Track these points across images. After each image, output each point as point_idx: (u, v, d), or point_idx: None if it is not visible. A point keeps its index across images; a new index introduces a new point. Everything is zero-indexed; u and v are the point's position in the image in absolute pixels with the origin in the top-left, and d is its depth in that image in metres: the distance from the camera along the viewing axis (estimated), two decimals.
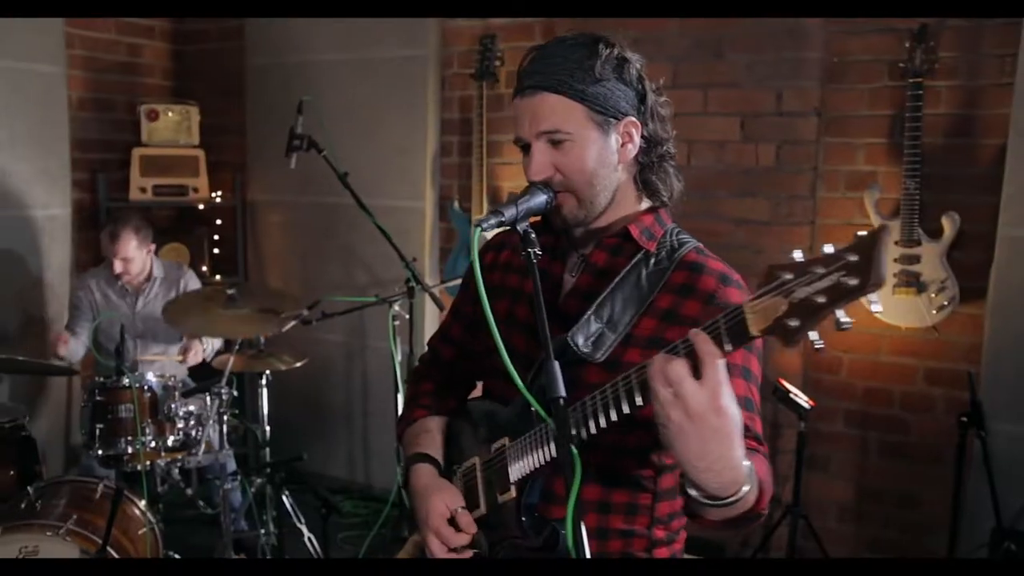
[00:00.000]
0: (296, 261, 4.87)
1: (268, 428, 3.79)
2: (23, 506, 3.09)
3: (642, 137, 1.54)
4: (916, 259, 3.40)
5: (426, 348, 1.93)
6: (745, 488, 1.24)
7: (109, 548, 2.88)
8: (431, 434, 1.74)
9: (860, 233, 1.09)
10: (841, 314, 1.10)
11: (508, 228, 1.57)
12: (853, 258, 1.06)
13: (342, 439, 4.78)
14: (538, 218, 1.61)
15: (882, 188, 3.52)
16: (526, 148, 1.54)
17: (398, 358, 3.85)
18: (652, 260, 1.54)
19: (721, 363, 1.17)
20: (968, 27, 3.36)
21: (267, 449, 3.75)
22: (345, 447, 4.78)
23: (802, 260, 1.12)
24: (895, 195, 3.47)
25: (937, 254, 3.37)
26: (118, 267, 3.83)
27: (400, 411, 1.86)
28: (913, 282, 3.39)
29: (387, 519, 4.08)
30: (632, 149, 1.54)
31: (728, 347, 1.18)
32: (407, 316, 3.86)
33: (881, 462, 3.72)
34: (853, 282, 1.06)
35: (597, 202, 1.54)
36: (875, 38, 3.51)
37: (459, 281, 4.09)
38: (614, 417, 1.34)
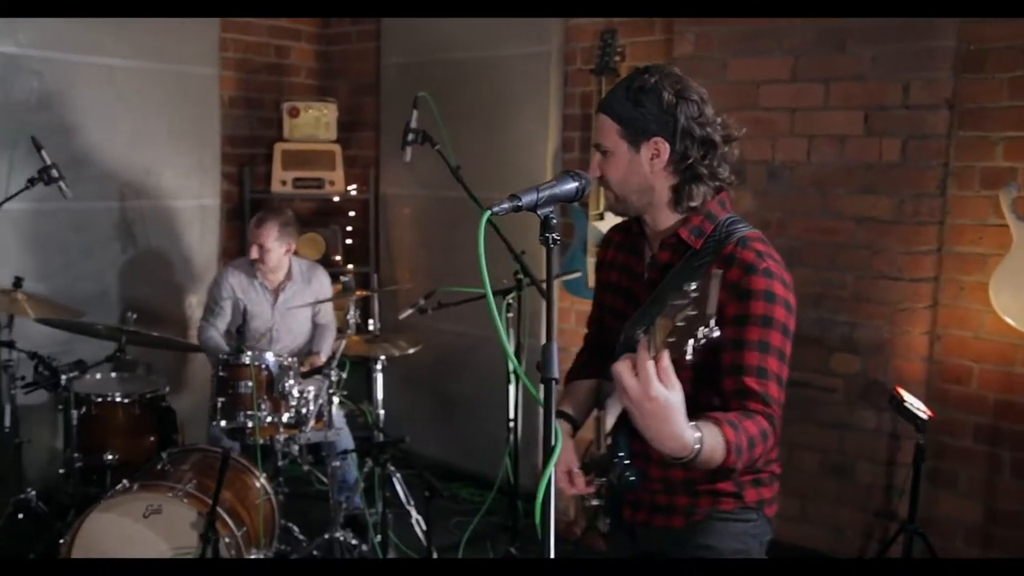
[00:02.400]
0: (423, 252, 5.04)
1: (382, 412, 3.95)
2: (156, 468, 3.38)
3: (671, 153, 1.82)
4: None
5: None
6: (696, 449, 1.56)
7: (221, 511, 3.10)
8: (575, 394, 2.10)
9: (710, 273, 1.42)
10: (690, 345, 1.44)
11: (615, 226, 2.11)
12: (695, 293, 1.41)
13: (456, 426, 4.90)
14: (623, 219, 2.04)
15: (1021, 186, 3.26)
16: None
17: (510, 349, 3.90)
18: (698, 255, 1.83)
19: (650, 362, 1.48)
20: None
21: (377, 432, 3.90)
22: (462, 435, 4.90)
23: (687, 291, 1.44)
24: None
25: None
26: (254, 252, 4.04)
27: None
28: None
29: (492, 505, 4.16)
30: (659, 163, 1.83)
31: (652, 352, 1.49)
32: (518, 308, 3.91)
33: (1015, 482, 3.44)
34: (693, 313, 1.41)
35: (630, 200, 1.89)
36: (1017, 23, 3.25)
37: (575, 275, 4.17)
38: None
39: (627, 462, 1.81)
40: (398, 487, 3.84)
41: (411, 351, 3.95)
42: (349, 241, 5.07)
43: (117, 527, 3.13)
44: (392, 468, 3.72)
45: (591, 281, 4.20)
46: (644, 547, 1.98)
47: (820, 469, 3.78)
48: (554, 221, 1.51)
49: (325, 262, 4.60)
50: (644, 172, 1.84)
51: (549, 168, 4.48)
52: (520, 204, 1.51)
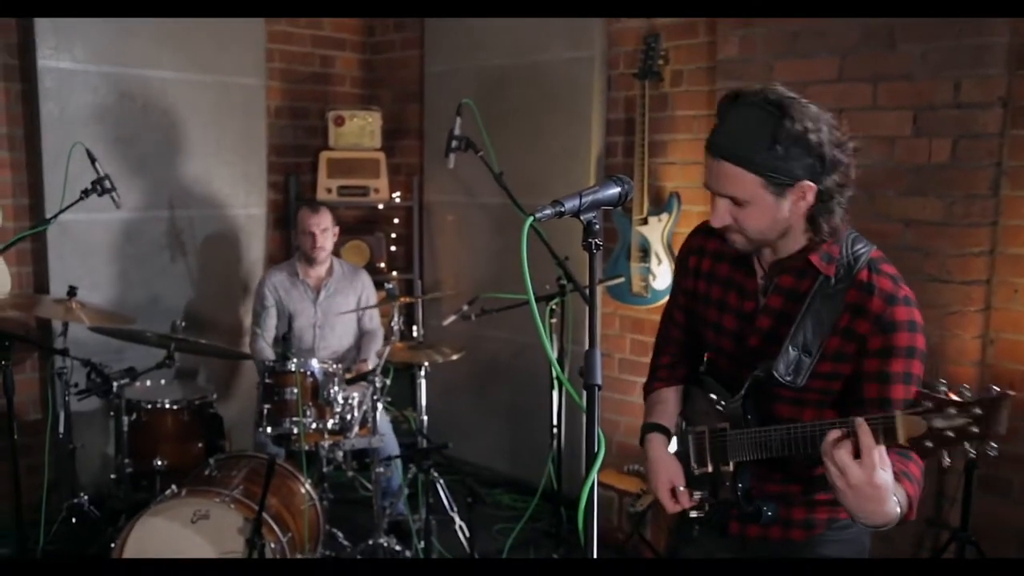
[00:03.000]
0: (467, 259, 5.05)
1: (425, 418, 3.97)
2: (204, 474, 3.44)
3: (818, 193, 1.72)
4: None
5: (660, 324, 2.22)
6: (894, 521, 1.60)
7: (267, 517, 3.14)
8: (665, 404, 2.08)
9: (991, 389, 1.44)
10: (946, 454, 1.47)
11: (704, 232, 2.00)
12: (979, 412, 1.41)
13: (499, 432, 4.90)
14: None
15: None
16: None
17: (553, 355, 3.90)
18: (832, 282, 1.76)
19: (877, 450, 1.50)
20: None
21: (421, 438, 3.92)
22: (504, 441, 4.90)
23: (942, 397, 1.46)
24: None
25: None
26: (310, 241, 4.13)
27: (647, 377, 2.21)
28: None
29: (534, 512, 4.15)
30: (804, 206, 1.73)
31: (883, 442, 1.51)
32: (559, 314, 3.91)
33: None
34: (975, 431, 1.42)
35: (768, 241, 1.80)
36: None
37: (618, 280, 4.13)
38: (791, 452, 1.73)
39: (760, 498, 1.84)
40: (441, 493, 3.85)
41: (455, 357, 3.96)
42: (393, 248, 5.11)
43: (166, 531, 3.18)
44: (435, 474, 3.74)
45: (635, 286, 4.17)
46: (755, 555, 1.99)
47: None
48: (597, 226, 1.50)
49: (370, 269, 4.64)
50: (787, 216, 1.74)
51: (593, 173, 4.47)
52: (563, 210, 1.48)
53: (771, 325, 1.84)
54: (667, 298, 2.22)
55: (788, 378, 1.76)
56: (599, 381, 1.37)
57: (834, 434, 1.56)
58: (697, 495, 1.93)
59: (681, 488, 1.94)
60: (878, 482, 1.49)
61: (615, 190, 1.57)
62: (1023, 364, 3.38)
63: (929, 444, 1.44)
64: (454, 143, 3.76)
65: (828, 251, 1.77)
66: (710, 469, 1.92)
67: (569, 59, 4.47)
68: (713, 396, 1.97)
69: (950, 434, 1.42)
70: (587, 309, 1.46)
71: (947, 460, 1.45)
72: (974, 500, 3.25)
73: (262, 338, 4.20)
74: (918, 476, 1.68)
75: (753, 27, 3.75)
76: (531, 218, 1.45)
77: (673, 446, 2.05)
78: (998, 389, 1.42)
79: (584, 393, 1.40)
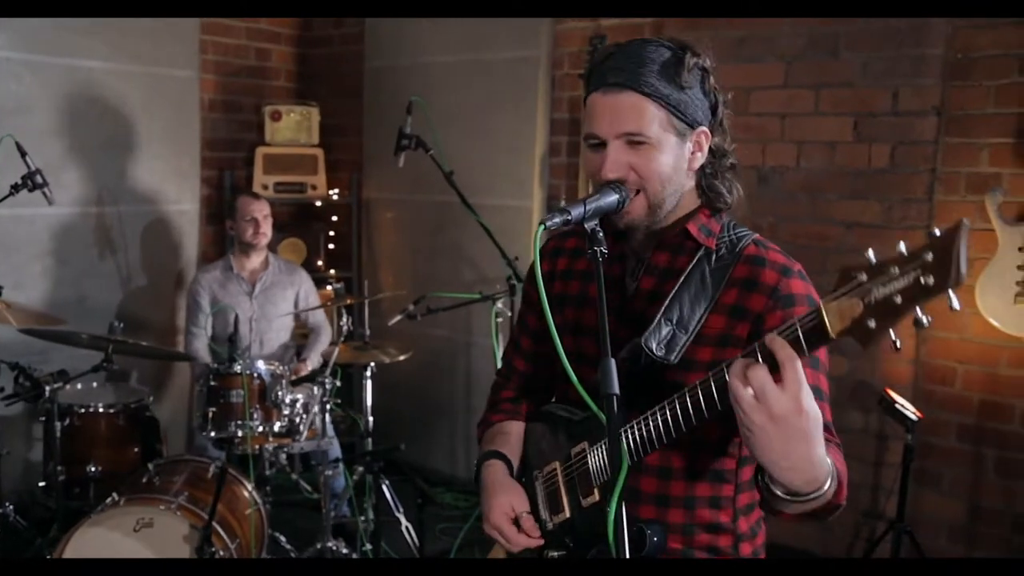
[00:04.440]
0: (407, 258, 5.01)
1: (371, 418, 3.91)
2: (143, 481, 3.31)
3: (709, 147, 1.57)
4: None
5: (502, 361, 1.96)
6: (827, 484, 1.28)
7: (215, 524, 3.05)
8: (506, 436, 1.78)
9: (935, 231, 1.08)
10: (920, 313, 1.09)
11: (560, 234, 1.75)
12: (929, 257, 1.07)
13: (445, 432, 4.88)
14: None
15: (1007, 191, 3.32)
16: (597, 145, 1.54)
17: (500, 354, 3.90)
18: (713, 257, 1.56)
19: (799, 364, 1.19)
20: None
21: (369, 439, 3.87)
22: (448, 440, 4.88)
23: (877, 260, 1.12)
24: (1021, 198, 3.28)
25: None
26: (258, 222, 4.06)
27: (482, 415, 1.92)
28: None
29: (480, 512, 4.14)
30: (700, 158, 1.56)
31: (806, 350, 1.20)
32: (509, 314, 3.91)
33: (998, 481, 3.51)
34: (930, 281, 1.06)
35: (664, 207, 1.56)
36: (1006, 31, 3.31)
37: None
38: (693, 422, 1.37)
39: (640, 519, 1.50)
40: (387, 495, 3.81)
41: (402, 358, 3.92)
42: (332, 246, 5.02)
43: (106, 541, 3.05)
44: (382, 476, 3.69)
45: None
46: None
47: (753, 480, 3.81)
48: (600, 235, 1.45)
49: (307, 267, 4.56)
50: (684, 169, 1.54)
51: (537, 173, 4.48)
52: (570, 218, 1.42)
53: (644, 310, 1.57)
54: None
55: (660, 353, 1.49)
56: (616, 390, 1.31)
57: (741, 362, 1.24)
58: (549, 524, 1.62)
59: (525, 513, 1.62)
60: (806, 406, 1.19)
61: (614, 197, 1.48)
62: (953, 360, 3.54)
63: (871, 324, 1.11)
64: (404, 141, 3.73)
65: (707, 225, 1.58)
66: (568, 513, 1.60)
67: (515, 58, 4.47)
68: (564, 418, 1.67)
69: (897, 300, 1.09)
70: (599, 316, 1.40)
71: (898, 343, 1.12)
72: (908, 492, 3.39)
73: (199, 339, 4.09)
74: (841, 458, 1.42)
75: (699, 30, 3.82)
76: (542, 226, 1.41)
77: None
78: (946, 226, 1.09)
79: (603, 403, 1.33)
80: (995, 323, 3.29)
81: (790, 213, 3.73)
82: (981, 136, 3.41)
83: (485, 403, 1.93)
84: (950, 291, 1.06)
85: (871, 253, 1.13)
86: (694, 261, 1.56)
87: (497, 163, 4.52)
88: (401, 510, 3.83)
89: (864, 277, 1.12)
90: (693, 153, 1.54)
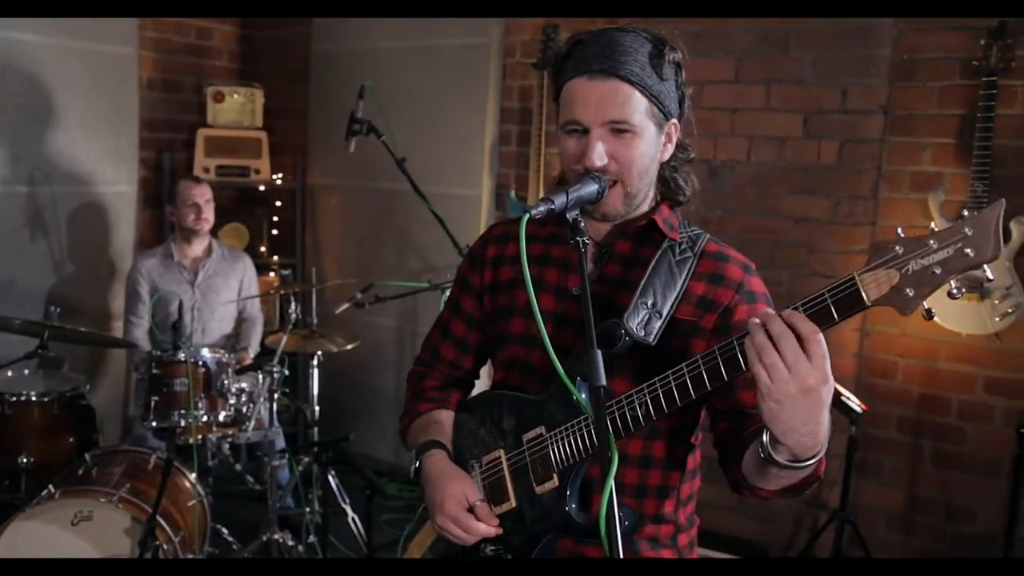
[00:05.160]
0: (352, 245, 4.93)
1: (317, 408, 3.85)
2: (80, 472, 3.19)
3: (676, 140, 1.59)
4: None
5: (422, 349, 1.87)
6: (823, 448, 1.32)
7: (158, 517, 2.96)
8: (440, 425, 1.71)
9: (966, 212, 1.18)
10: (953, 284, 1.18)
11: (509, 220, 1.75)
12: (969, 231, 1.16)
13: (390, 422, 4.83)
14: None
15: (948, 190, 3.42)
16: (576, 131, 1.52)
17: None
18: (677, 249, 1.58)
19: (822, 337, 1.23)
20: None
21: (315, 429, 3.81)
22: (393, 430, 4.82)
23: (909, 237, 1.21)
24: (961, 197, 3.37)
25: (1003, 259, 3.27)
26: (200, 207, 3.97)
27: (402, 413, 1.82)
28: (976, 287, 3.29)
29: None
30: (670, 150, 1.58)
31: (836, 317, 1.24)
32: None
33: (935, 471, 3.63)
34: (970, 253, 1.15)
35: (639, 197, 1.56)
36: (949, 35, 3.40)
37: None
38: (678, 403, 1.38)
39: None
40: (333, 485, 3.75)
41: (350, 347, 3.86)
42: (275, 232, 4.91)
43: (41, 536, 2.95)
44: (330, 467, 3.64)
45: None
46: None
47: (720, 466, 3.88)
48: (582, 224, 1.44)
49: (249, 253, 4.43)
50: (657, 161, 1.56)
51: (487, 161, 4.45)
52: (553, 207, 1.40)
53: (609, 295, 1.57)
54: (442, 311, 1.86)
55: (641, 334, 1.48)
56: (603, 382, 1.30)
57: (762, 328, 1.24)
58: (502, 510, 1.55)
59: (479, 501, 1.56)
60: (830, 378, 1.24)
61: (594, 187, 1.47)
62: (895, 355, 3.63)
63: (910, 292, 1.18)
64: (356, 126, 3.65)
65: (670, 219, 1.61)
66: (514, 502, 1.56)
67: (465, 45, 4.43)
68: (513, 403, 1.61)
69: (937, 271, 1.16)
70: (582, 305, 1.38)
71: (933, 312, 1.21)
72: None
73: (138, 328, 3.97)
74: None
75: (653, 24, 3.82)
76: (527, 215, 1.39)
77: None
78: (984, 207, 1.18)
79: (587, 395, 1.34)
80: (935, 318, 3.38)
81: (740, 207, 3.77)
82: (924, 136, 3.50)
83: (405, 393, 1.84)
84: (988, 264, 1.16)
85: (900, 231, 1.23)
86: (660, 252, 1.57)
87: (446, 151, 4.47)
88: (347, 501, 3.78)
89: (900, 250, 1.20)
90: (665, 145, 1.56)
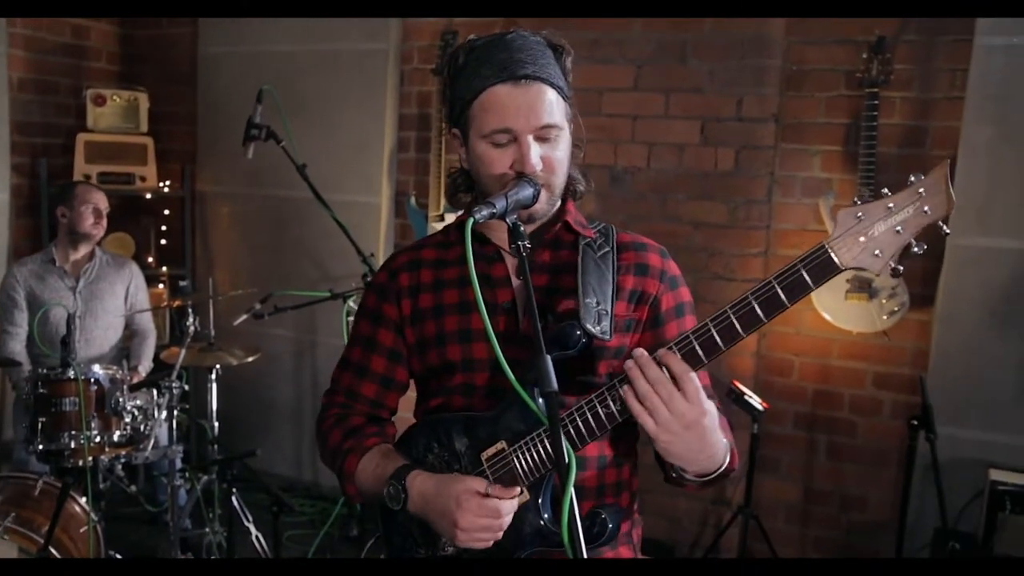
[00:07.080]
0: (245, 254, 4.76)
1: (216, 424, 3.70)
2: None
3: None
4: None
5: (332, 391, 1.75)
6: (727, 457, 1.43)
7: (51, 548, 2.77)
8: (397, 453, 1.60)
9: (913, 177, 1.26)
10: (914, 242, 1.26)
11: (409, 247, 1.71)
12: (922, 190, 1.24)
13: (290, 436, 4.69)
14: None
15: (837, 195, 3.58)
16: (503, 140, 1.49)
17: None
18: (595, 245, 1.59)
19: (694, 374, 1.30)
20: (923, 41, 3.45)
21: (215, 445, 3.65)
22: (293, 444, 4.69)
23: (868, 203, 1.28)
24: (849, 202, 3.53)
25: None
26: (99, 213, 3.78)
27: (335, 454, 1.66)
28: (865, 288, 3.46)
29: (336, 518, 4.02)
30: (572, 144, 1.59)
31: (812, 285, 1.29)
32: None
33: (829, 464, 3.79)
34: (928, 211, 1.24)
35: (557, 197, 1.56)
36: (833, 48, 3.58)
37: None
38: (608, 425, 1.40)
39: (601, 507, 1.50)
40: (236, 504, 3.60)
41: (250, 359, 3.72)
42: (163, 241, 4.69)
43: None
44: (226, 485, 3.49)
45: None
46: None
47: (655, 461, 3.96)
48: (522, 228, 1.43)
49: (137, 264, 4.21)
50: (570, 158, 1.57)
51: (386, 168, 4.38)
52: (495, 211, 1.40)
53: (545, 304, 1.54)
54: (348, 349, 1.74)
55: (598, 328, 1.48)
56: (555, 386, 1.29)
57: (642, 375, 1.30)
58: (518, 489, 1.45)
59: (488, 487, 1.44)
60: (706, 408, 1.31)
61: (530, 190, 1.46)
62: (790, 353, 3.78)
63: (877, 252, 1.26)
64: (254, 131, 3.54)
65: (578, 216, 1.62)
66: None
67: (362, 50, 4.35)
68: (465, 423, 1.54)
69: (899, 230, 1.25)
70: (529, 312, 1.37)
71: (900, 268, 1.27)
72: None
73: (15, 339, 3.71)
74: (727, 423, 1.49)
75: (552, 30, 3.86)
76: (472, 219, 1.38)
77: None
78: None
79: (540, 402, 1.34)
80: (828, 317, 3.54)
81: (640, 212, 3.85)
82: (814, 143, 3.66)
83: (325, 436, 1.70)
84: (944, 218, 1.24)
85: (857, 199, 1.30)
86: (580, 252, 1.56)
87: (344, 158, 4.38)
88: (251, 519, 3.64)
89: (862, 215, 1.27)
90: (574, 145, 1.57)
